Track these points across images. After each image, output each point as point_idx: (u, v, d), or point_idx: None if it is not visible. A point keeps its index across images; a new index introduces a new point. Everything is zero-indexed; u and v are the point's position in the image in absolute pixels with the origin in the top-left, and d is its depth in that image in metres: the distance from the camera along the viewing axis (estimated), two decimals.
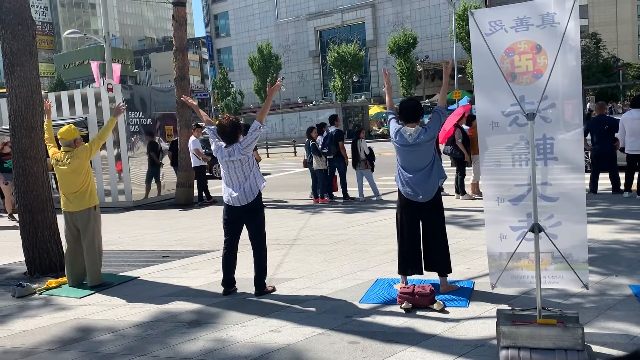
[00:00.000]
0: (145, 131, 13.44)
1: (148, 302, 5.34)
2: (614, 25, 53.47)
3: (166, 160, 13.83)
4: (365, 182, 11.42)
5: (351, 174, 11.59)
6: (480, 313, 4.35)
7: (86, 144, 6.15)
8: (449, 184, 10.64)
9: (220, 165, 5.34)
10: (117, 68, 17.84)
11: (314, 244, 7.44)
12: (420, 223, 4.97)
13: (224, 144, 5.26)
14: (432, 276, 5.21)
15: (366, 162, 11.20)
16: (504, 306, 4.28)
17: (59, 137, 6.05)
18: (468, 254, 6.26)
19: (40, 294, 5.93)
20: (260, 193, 5.31)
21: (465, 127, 10.86)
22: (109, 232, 9.56)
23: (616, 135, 9.77)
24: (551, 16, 3.52)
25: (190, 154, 12.47)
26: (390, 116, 5.14)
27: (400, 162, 4.97)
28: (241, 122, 5.51)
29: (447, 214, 5.50)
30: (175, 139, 13.43)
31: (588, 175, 9.62)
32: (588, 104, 34.23)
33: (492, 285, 3.97)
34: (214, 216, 10.63)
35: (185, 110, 12.90)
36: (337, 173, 11.86)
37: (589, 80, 43.20)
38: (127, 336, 4.42)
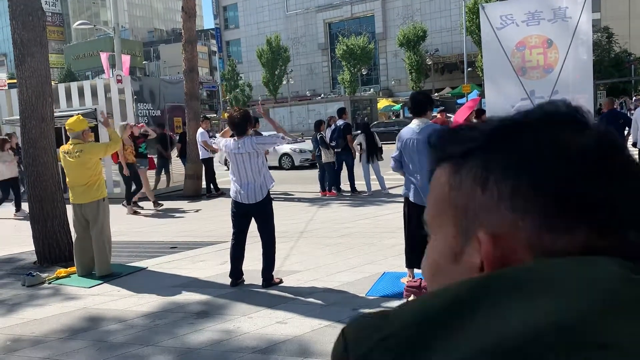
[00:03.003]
0: (155, 123, 13.48)
1: (156, 292, 5.37)
2: (626, 20, 52.97)
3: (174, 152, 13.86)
4: (373, 176, 11.40)
5: (357, 167, 11.58)
6: None
7: (102, 143, 6.17)
8: None
9: (229, 159, 5.34)
10: (126, 59, 17.89)
11: (321, 237, 7.45)
12: None
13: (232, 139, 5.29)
14: None
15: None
16: None
17: (67, 128, 6.08)
18: None
19: (49, 283, 5.98)
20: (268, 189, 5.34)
21: (474, 120, 10.83)
22: (118, 222, 9.61)
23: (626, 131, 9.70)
24: (563, 10, 3.50)
25: (199, 146, 12.49)
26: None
27: (407, 161, 4.88)
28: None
29: None
30: (184, 130, 13.46)
31: None
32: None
33: None
34: (221, 208, 10.66)
35: (194, 102, 12.91)
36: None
37: (600, 75, 42.85)
38: (135, 326, 4.46)
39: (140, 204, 11.19)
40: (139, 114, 13.00)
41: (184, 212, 10.73)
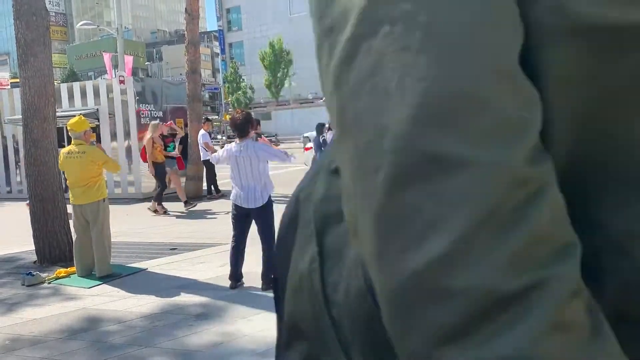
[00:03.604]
0: None
1: (155, 294, 5.37)
2: None
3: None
4: None
5: None
6: None
7: (106, 156, 6.17)
8: None
9: (230, 163, 5.35)
10: (129, 60, 17.93)
11: None
12: None
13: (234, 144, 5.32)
14: None
15: None
16: None
17: (68, 128, 6.09)
18: None
19: (49, 283, 5.98)
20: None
21: None
22: (118, 223, 9.61)
23: None
24: None
25: (200, 147, 12.49)
26: None
27: None
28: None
29: None
30: (186, 132, 13.48)
31: None
32: None
33: None
34: (222, 210, 10.66)
35: (196, 104, 12.93)
36: None
37: None
38: (134, 327, 4.46)
39: (165, 204, 11.08)
40: (142, 115, 13.02)
41: (184, 213, 10.73)
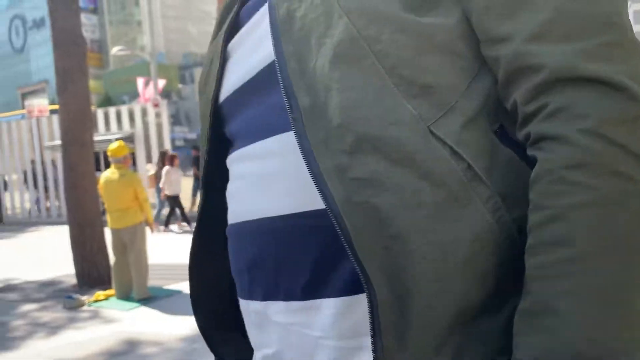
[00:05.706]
0: (191, 146, 13.67)
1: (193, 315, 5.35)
2: None
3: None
4: None
5: None
6: None
7: (144, 191, 6.16)
8: None
9: None
10: (161, 84, 18.27)
11: None
12: None
13: None
14: None
15: None
16: None
17: (109, 154, 6.18)
18: None
19: (89, 305, 6.05)
20: None
21: None
22: (155, 244, 9.70)
23: None
24: None
25: None
26: None
27: None
28: None
29: None
30: None
31: None
32: None
33: None
34: None
35: None
36: None
37: None
38: (173, 350, 4.45)
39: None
40: (175, 138, 13.20)
41: None
